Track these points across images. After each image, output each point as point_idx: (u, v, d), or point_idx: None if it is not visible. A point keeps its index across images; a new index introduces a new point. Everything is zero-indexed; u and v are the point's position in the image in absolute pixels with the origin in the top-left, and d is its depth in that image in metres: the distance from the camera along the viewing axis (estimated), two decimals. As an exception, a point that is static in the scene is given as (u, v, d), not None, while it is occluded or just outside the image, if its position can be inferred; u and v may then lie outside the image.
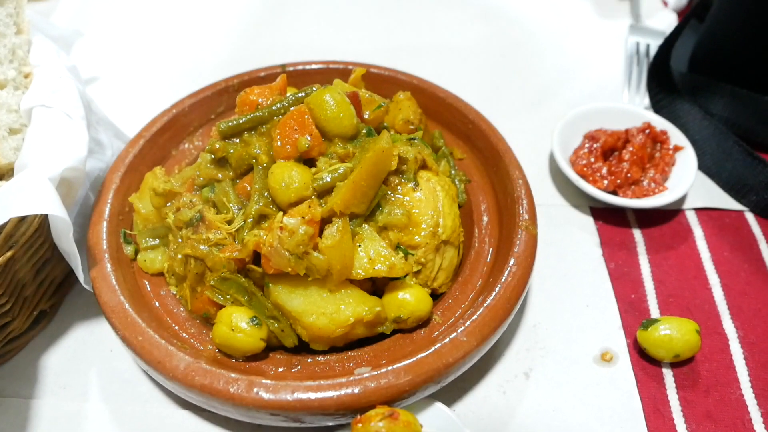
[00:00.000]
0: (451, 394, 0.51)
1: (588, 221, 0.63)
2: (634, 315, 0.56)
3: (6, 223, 0.45)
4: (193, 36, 0.84)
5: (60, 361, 0.53)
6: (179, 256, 0.50)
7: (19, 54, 0.57)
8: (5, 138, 0.53)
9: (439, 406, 0.46)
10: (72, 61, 0.60)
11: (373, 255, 0.47)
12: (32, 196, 0.45)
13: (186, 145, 0.63)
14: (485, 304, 0.48)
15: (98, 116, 0.61)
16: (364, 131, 0.51)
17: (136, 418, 0.49)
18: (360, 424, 0.41)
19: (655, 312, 0.56)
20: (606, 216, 0.64)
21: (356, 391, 0.43)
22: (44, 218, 0.49)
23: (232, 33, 0.85)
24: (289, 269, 0.45)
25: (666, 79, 0.71)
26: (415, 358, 0.45)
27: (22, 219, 0.46)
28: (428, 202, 0.50)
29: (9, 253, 0.45)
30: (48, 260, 0.53)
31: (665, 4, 0.89)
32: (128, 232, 0.55)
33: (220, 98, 0.64)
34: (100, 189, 0.56)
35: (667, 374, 0.52)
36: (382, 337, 0.49)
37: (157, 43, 0.83)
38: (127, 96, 0.75)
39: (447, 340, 0.46)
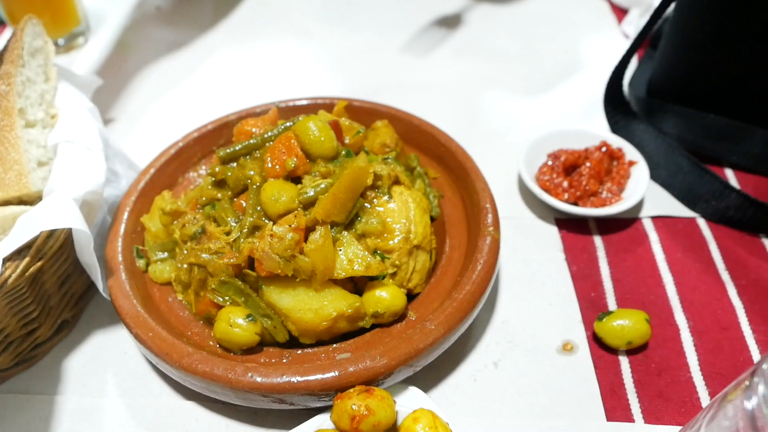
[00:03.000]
0: (426, 382, 0.56)
1: (553, 230, 0.70)
2: (593, 310, 0.62)
3: (37, 237, 0.52)
4: (197, 81, 0.93)
5: (80, 363, 0.59)
6: (185, 265, 0.58)
7: (47, 98, 0.66)
8: (35, 170, 0.61)
9: (413, 389, 0.52)
10: (91, 104, 0.69)
11: (351, 257, 0.54)
12: (59, 213, 0.52)
13: (191, 174, 0.71)
14: (453, 300, 0.54)
15: (114, 150, 0.69)
16: (343, 153, 0.59)
17: (148, 410, 0.56)
18: (339, 400, 0.47)
19: (612, 307, 0.62)
20: (569, 226, 0.70)
21: (337, 373, 0.49)
22: (68, 235, 0.56)
23: (230, 76, 0.94)
24: (279, 271, 0.52)
25: (620, 102, 0.78)
26: (390, 345, 0.51)
27: (51, 234, 0.54)
28: (401, 212, 0.57)
29: (39, 264, 0.53)
30: (70, 274, 0.61)
31: (626, 36, 0.98)
32: (140, 247, 0.62)
33: (221, 132, 0.72)
34: (115, 211, 0.64)
35: (623, 361, 0.58)
36: (363, 331, 0.55)
37: (164, 88, 0.92)
38: (138, 133, 0.84)
39: (418, 329, 0.52)
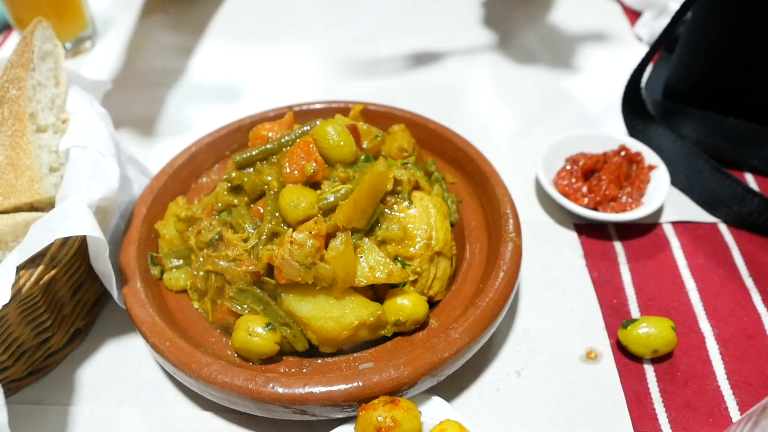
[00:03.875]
0: (448, 392, 0.55)
1: (572, 236, 0.69)
2: (616, 317, 0.61)
3: (51, 245, 0.51)
4: (206, 85, 0.92)
5: (94, 372, 0.58)
6: (201, 272, 0.57)
7: (57, 103, 0.65)
8: (47, 175, 0.60)
9: (437, 399, 0.51)
10: (102, 108, 0.68)
11: (373, 264, 0.53)
12: (74, 220, 0.51)
13: (204, 179, 0.70)
14: (476, 307, 0.53)
15: (126, 155, 0.68)
16: (362, 158, 0.58)
17: (164, 420, 0.54)
18: (364, 411, 0.46)
19: (636, 314, 0.61)
20: (588, 231, 0.69)
21: (361, 383, 0.48)
22: (82, 242, 0.55)
23: (240, 80, 0.93)
24: (299, 278, 0.51)
25: (638, 106, 0.77)
26: (414, 354, 0.50)
27: (65, 241, 0.52)
28: (422, 217, 0.56)
29: (53, 272, 0.52)
30: (83, 282, 0.60)
31: (639, 39, 0.97)
32: (155, 255, 0.61)
33: (234, 137, 0.71)
34: (129, 218, 0.63)
35: (648, 369, 0.57)
36: (385, 340, 0.54)
37: (173, 91, 0.91)
38: (149, 138, 0.83)
39: (442, 338, 0.51)
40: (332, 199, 0.54)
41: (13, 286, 0.48)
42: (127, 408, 0.55)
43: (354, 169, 0.57)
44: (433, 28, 1.01)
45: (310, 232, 0.52)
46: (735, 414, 0.53)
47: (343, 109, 0.72)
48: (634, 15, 1.02)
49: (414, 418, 0.46)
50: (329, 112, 0.71)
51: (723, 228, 0.69)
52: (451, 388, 0.56)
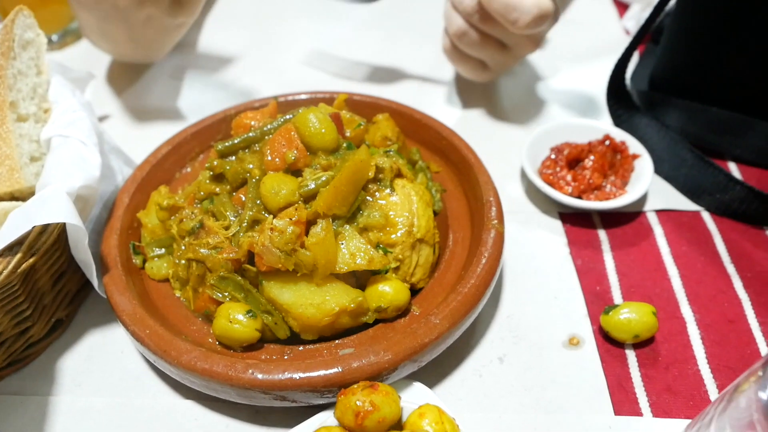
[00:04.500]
0: (431, 378, 0.55)
1: (557, 224, 0.69)
2: (599, 304, 0.61)
3: (29, 232, 0.51)
4: (192, 76, 0.92)
5: (75, 363, 0.58)
6: (182, 261, 0.56)
7: (39, 92, 0.64)
8: (27, 165, 0.59)
9: (418, 385, 0.51)
10: (86, 98, 0.68)
11: (354, 250, 0.53)
12: (52, 207, 0.51)
13: (188, 169, 0.70)
14: (458, 293, 0.53)
15: (110, 145, 0.68)
16: (345, 145, 0.58)
17: (145, 410, 0.54)
18: (343, 396, 0.46)
19: (618, 301, 0.61)
20: (573, 220, 0.69)
21: (340, 369, 0.48)
22: (62, 231, 0.55)
23: (226, 71, 0.93)
24: (280, 265, 0.51)
25: (623, 96, 0.78)
26: (394, 340, 0.50)
27: (44, 229, 0.52)
28: (403, 205, 0.56)
29: (31, 260, 0.51)
30: (64, 272, 0.59)
31: (627, 32, 0.97)
32: (137, 244, 0.61)
33: (218, 127, 0.71)
34: (111, 207, 0.62)
35: (630, 355, 0.57)
36: (366, 327, 0.54)
37: (158, 81, 0.91)
38: (133, 129, 0.83)
39: (423, 323, 0.51)
40: (313, 186, 0.54)
41: (-9, 273, 0.48)
42: (108, 397, 0.55)
43: (336, 156, 0.57)
44: (419, 21, 1.01)
45: (291, 219, 0.51)
46: (715, 397, 0.54)
47: (328, 99, 0.72)
48: (622, 7, 1.02)
49: (393, 402, 0.46)
50: (314, 102, 0.71)
51: (706, 216, 0.69)
52: (434, 374, 0.56)
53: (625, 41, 0.94)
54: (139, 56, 0.86)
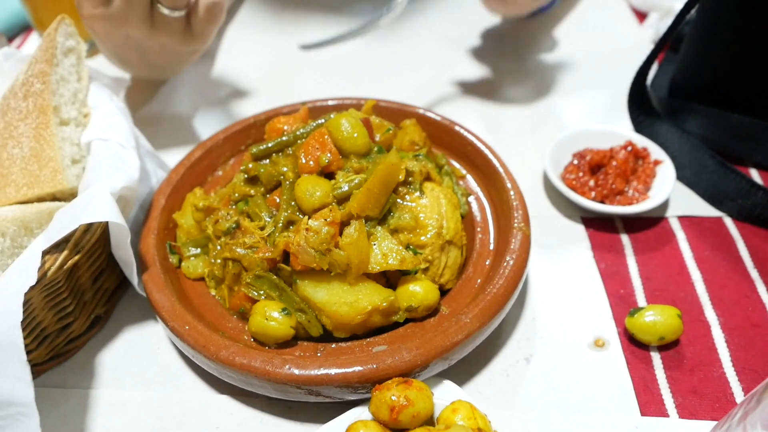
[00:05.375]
0: (459, 377, 0.56)
1: (579, 229, 0.70)
2: (623, 307, 0.62)
3: (75, 230, 0.53)
4: (222, 82, 0.94)
5: (114, 358, 0.60)
6: (218, 260, 0.58)
7: (79, 97, 0.67)
8: (69, 167, 0.62)
9: (448, 383, 0.52)
10: (122, 103, 0.70)
11: (386, 251, 0.54)
12: (97, 207, 0.53)
13: (220, 173, 0.72)
14: (487, 293, 0.55)
15: (145, 149, 0.70)
16: (375, 149, 0.59)
17: (182, 403, 0.56)
18: (378, 391, 0.47)
19: (642, 304, 0.62)
20: (596, 224, 0.71)
21: (375, 366, 0.50)
22: (104, 230, 0.57)
23: (256, 78, 0.95)
24: (314, 264, 0.53)
25: (644, 102, 0.79)
26: (426, 338, 0.51)
27: (88, 228, 0.54)
28: (433, 207, 0.58)
29: (76, 257, 0.53)
30: (104, 270, 0.61)
31: (645, 38, 0.98)
32: (173, 244, 0.63)
33: (249, 131, 0.73)
34: (148, 208, 0.64)
35: (655, 357, 0.58)
36: (397, 326, 0.56)
37: (190, 89, 0.93)
38: (165, 134, 0.85)
39: (453, 322, 0.52)
40: (346, 188, 0.55)
41: (39, 269, 0.50)
42: (145, 391, 0.57)
43: (367, 160, 0.58)
44: (440, 27, 1.03)
45: (325, 220, 0.53)
46: (741, 399, 0.54)
47: (356, 106, 0.74)
48: (641, 16, 1.03)
49: (426, 398, 0.47)
50: (342, 108, 0.73)
51: (728, 221, 0.70)
52: (462, 373, 0.57)
53: (645, 48, 0.95)
54: (156, 77, 0.89)
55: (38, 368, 0.58)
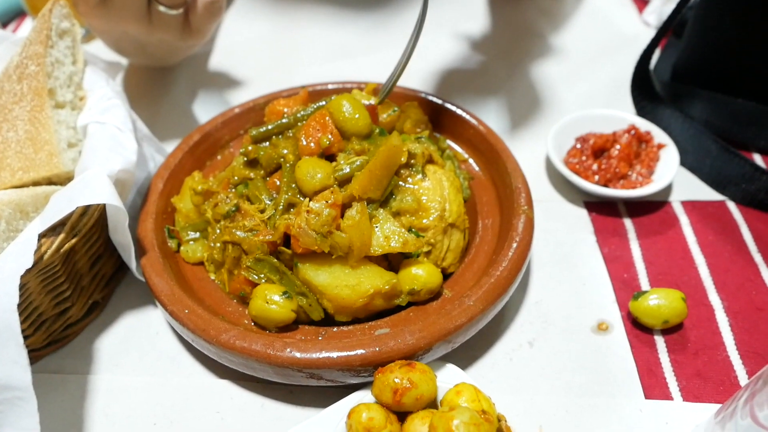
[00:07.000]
0: (462, 361, 0.56)
1: (582, 213, 0.70)
2: (627, 291, 0.61)
3: (72, 213, 0.52)
4: (219, 66, 0.93)
5: (112, 343, 0.59)
6: (218, 244, 0.57)
7: (75, 80, 0.66)
8: (65, 150, 0.61)
9: (451, 366, 0.52)
10: (119, 87, 0.69)
11: (388, 233, 0.53)
12: (95, 189, 0.52)
13: (219, 157, 0.71)
14: (490, 276, 0.54)
15: (142, 133, 0.69)
16: (377, 131, 0.59)
17: (181, 388, 0.55)
18: (381, 374, 0.47)
19: (646, 288, 0.62)
20: (599, 208, 0.70)
21: (377, 348, 0.49)
22: (101, 214, 0.56)
23: (256, 64, 0.94)
24: (316, 247, 0.52)
25: (647, 87, 0.78)
26: (429, 320, 0.51)
27: (85, 211, 0.53)
28: (435, 190, 0.57)
29: (73, 241, 0.52)
30: (101, 255, 0.60)
31: (648, 25, 0.98)
32: (171, 228, 0.62)
33: (248, 116, 0.72)
34: (146, 192, 0.63)
35: (659, 340, 0.57)
36: (399, 309, 0.55)
37: (188, 74, 0.92)
38: (163, 118, 0.84)
39: (456, 305, 0.52)
40: (348, 170, 0.55)
41: (35, 252, 0.49)
42: (145, 377, 0.56)
43: (369, 141, 0.57)
44: (442, 15, 1.02)
45: (327, 202, 0.52)
46: (745, 383, 0.54)
47: (357, 89, 0.73)
48: (642, 3, 1.02)
49: (430, 380, 0.46)
50: (343, 92, 0.72)
51: (731, 206, 0.70)
52: (465, 357, 0.56)
53: (646, 34, 0.94)
54: (154, 65, 0.88)
55: (36, 354, 0.57)
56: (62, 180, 0.60)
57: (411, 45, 0.60)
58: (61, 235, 0.51)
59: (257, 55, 0.95)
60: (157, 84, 0.90)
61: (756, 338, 0.57)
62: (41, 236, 0.51)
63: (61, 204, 0.52)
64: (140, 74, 0.91)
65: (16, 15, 1.05)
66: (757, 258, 0.64)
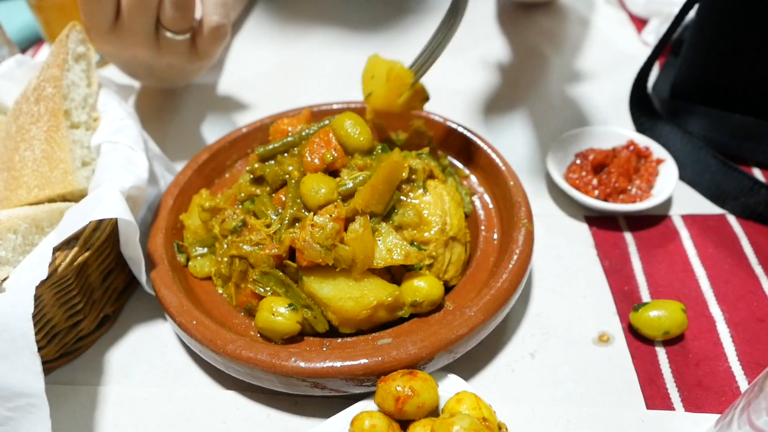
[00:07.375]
0: (464, 373, 0.57)
1: (583, 227, 0.71)
2: (627, 303, 0.62)
3: (85, 228, 0.54)
4: (228, 90, 0.96)
5: (123, 355, 0.60)
6: (225, 258, 0.59)
7: (89, 102, 0.68)
8: (79, 169, 0.63)
9: (453, 376, 0.53)
10: (131, 108, 0.72)
11: (390, 246, 0.55)
12: (107, 204, 0.54)
13: (226, 175, 0.73)
14: (491, 288, 0.55)
15: (153, 152, 0.71)
16: (379, 147, 0.60)
17: (189, 399, 0.56)
18: (383, 382, 0.48)
19: (647, 300, 0.62)
20: (599, 223, 0.71)
21: (380, 358, 0.50)
22: (113, 228, 0.58)
23: (263, 87, 0.96)
24: (320, 260, 0.53)
25: (645, 104, 0.80)
26: (431, 331, 0.52)
27: (98, 225, 0.55)
28: (436, 204, 0.59)
29: (86, 254, 0.54)
30: (112, 269, 0.62)
31: (647, 44, 1.00)
32: (180, 243, 0.63)
33: (255, 135, 0.74)
34: (156, 209, 0.65)
35: (660, 351, 0.58)
36: (401, 321, 0.56)
37: (198, 96, 0.95)
38: (174, 139, 0.86)
39: (458, 316, 0.53)
40: (351, 185, 0.56)
41: (50, 265, 0.51)
42: (154, 388, 0.57)
43: (371, 157, 0.59)
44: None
45: (331, 215, 0.54)
46: (746, 393, 0.54)
47: (360, 110, 0.75)
48: (640, 23, 1.04)
49: (432, 388, 0.47)
50: (346, 111, 0.74)
51: (731, 219, 0.71)
52: (467, 368, 0.57)
53: (644, 53, 0.96)
54: (165, 87, 0.92)
55: (48, 365, 0.58)
56: (76, 197, 0.62)
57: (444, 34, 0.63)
58: (75, 249, 0.53)
59: (264, 78, 0.98)
60: (167, 106, 0.92)
61: (757, 348, 0.58)
62: (56, 249, 0.53)
63: (75, 218, 0.54)
64: (152, 96, 0.94)
65: (34, 42, 1.09)
66: (758, 270, 0.65)
